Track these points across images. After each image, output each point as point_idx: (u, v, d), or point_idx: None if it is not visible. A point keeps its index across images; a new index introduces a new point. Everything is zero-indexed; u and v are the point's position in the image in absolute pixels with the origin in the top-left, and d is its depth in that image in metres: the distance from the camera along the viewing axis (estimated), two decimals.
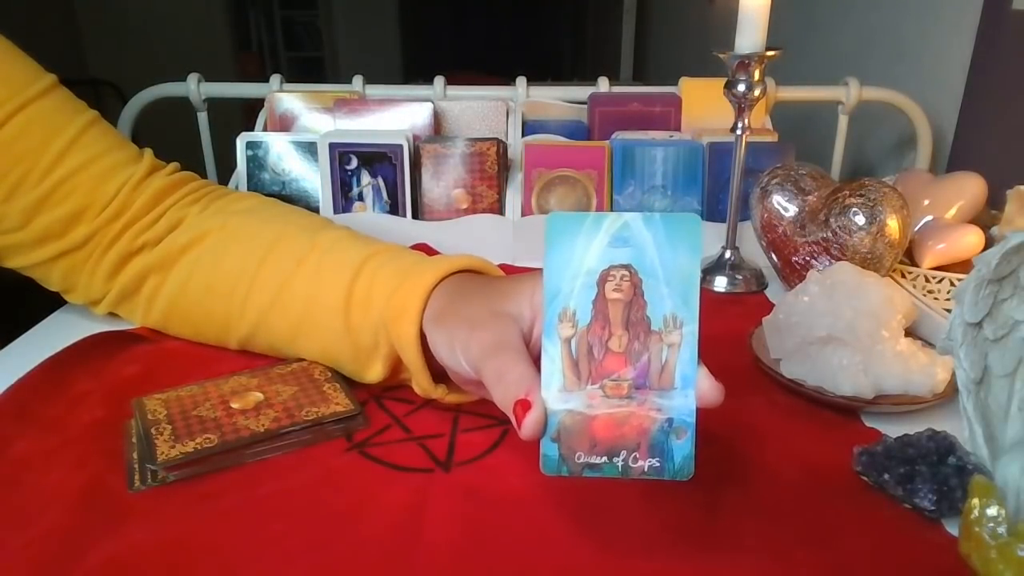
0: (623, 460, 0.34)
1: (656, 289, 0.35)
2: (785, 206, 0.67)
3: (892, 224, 0.61)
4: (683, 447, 0.34)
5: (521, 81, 0.99)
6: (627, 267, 0.35)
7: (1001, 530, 0.33)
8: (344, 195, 0.86)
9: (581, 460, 0.34)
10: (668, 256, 0.35)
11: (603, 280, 0.35)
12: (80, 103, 0.57)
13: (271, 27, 4.41)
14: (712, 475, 0.43)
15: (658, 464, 0.34)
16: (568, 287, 0.35)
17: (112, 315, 0.59)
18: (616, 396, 0.34)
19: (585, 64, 4.57)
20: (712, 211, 0.87)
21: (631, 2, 3.26)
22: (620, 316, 0.35)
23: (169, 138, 1.04)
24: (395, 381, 0.51)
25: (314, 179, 0.88)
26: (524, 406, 0.34)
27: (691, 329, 0.34)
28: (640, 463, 0.34)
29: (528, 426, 0.34)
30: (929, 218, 0.68)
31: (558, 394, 0.35)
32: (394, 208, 0.86)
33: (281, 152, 0.88)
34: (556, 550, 0.37)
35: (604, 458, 0.34)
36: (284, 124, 0.94)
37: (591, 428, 0.34)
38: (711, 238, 0.77)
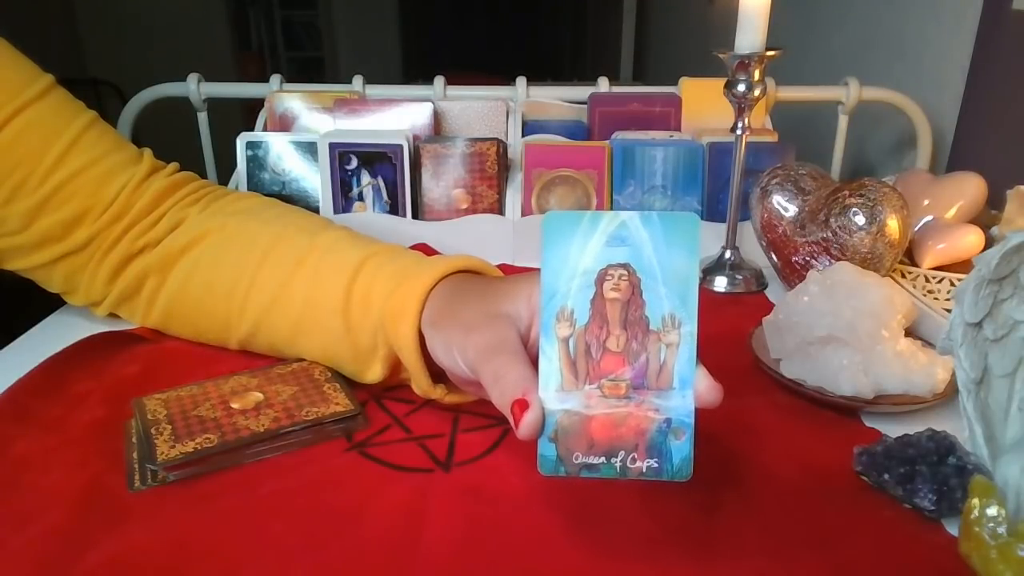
0: (621, 461, 0.34)
1: (654, 289, 0.35)
2: (785, 206, 0.67)
3: (892, 224, 0.61)
4: (681, 448, 0.34)
5: (521, 81, 0.99)
6: (625, 266, 0.35)
7: (1001, 530, 0.33)
8: (344, 195, 0.86)
9: (579, 460, 0.34)
10: (665, 256, 0.35)
11: (601, 280, 0.35)
12: (78, 103, 0.57)
13: (271, 27, 4.41)
14: (712, 475, 0.43)
15: (656, 465, 0.34)
16: (565, 287, 0.35)
17: (112, 315, 0.59)
18: (614, 396, 0.34)
19: (585, 64, 4.57)
20: (712, 211, 0.87)
21: (631, 2, 3.26)
22: (618, 316, 0.35)
23: (169, 138, 1.04)
24: (395, 381, 0.51)
25: (314, 179, 0.88)
26: (522, 406, 0.34)
27: (689, 329, 0.34)
28: (638, 464, 0.34)
29: (525, 426, 0.34)
30: (929, 218, 0.68)
31: (556, 394, 0.35)
32: (394, 208, 0.86)
33: (281, 152, 0.88)
34: (556, 550, 0.37)
35: (602, 458, 0.34)
36: (284, 124, 0.94)
37: (589, 428, 0.34)
38: (711, 238, 0.77)
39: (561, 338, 0.35)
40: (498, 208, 0.87)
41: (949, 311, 0.53)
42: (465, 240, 0.81)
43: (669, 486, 0.40)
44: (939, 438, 0.42)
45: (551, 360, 0.35)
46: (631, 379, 0.34)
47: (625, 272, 0.35)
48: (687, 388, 0.34)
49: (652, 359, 0.34)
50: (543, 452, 0.34)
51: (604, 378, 0.35)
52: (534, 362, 0.36)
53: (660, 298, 0.34)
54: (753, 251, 0.74)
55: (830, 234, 0.63)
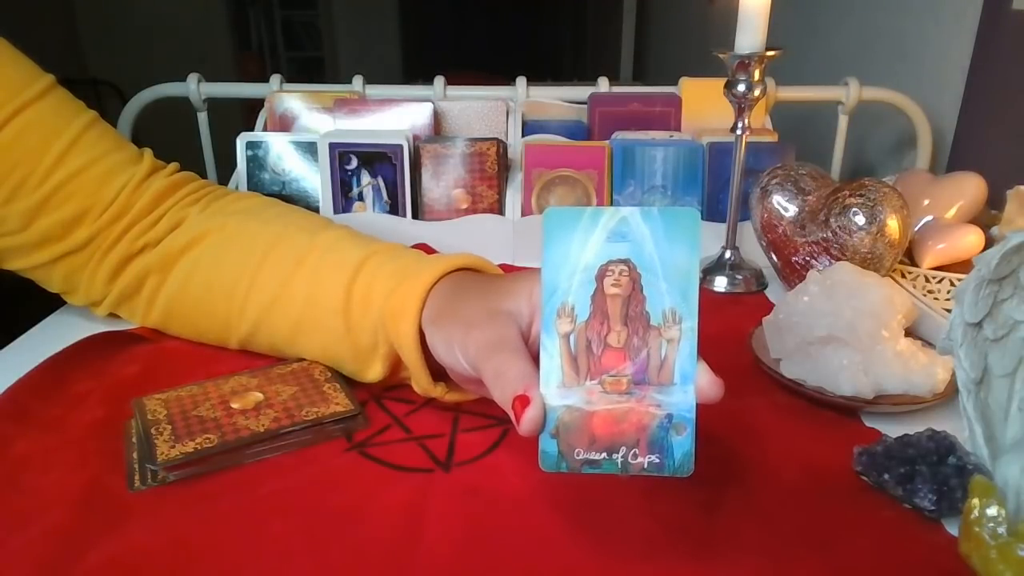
0: (622, 456, 0.34)
1: (655, 284, 0.34)
2: (785, 206, 0.67)
3: (892, 224, 0.61)
4: (683, 443, 0.34)
5: (521, 81, 0.99)
6: (626, 262, 0.35)
7: (1001, 530, 0.33)
8: (344, 195, 0.86)
9: (580, 456, 0.34)
10: (666, 251, 0.35)
11: (602, 275, 0.35)
12: (79, 103, 0.57)
13: (271, 27, 4.41)
14: (712, 475, 0.43)
15: (658, 460, 0.34)
16: (566, 282, 0.35)
17: (112, 315, 0.59)
18: (615, 392, 0.34)
19: (585, 64, 4.57)
20: (712, 211, 0.87)
21: (631, 2, 3.26)
22: (619, 311, 0.35)
23: (169, 138, 1.04)
24: (395, 380, 0.51)
25: (314, 179, 0.88)
26: (523, 402, 0.34)
27: (690, 324, 0.34)
28: (639, 460, 0.34)
29: (527, 422, 0.34)
30: (929, 218, 0.68)
31: (557, 390, 0.35)
32: (394, 208, 0.86)
33: (281, 152, 0.88)
34: (556, 550, 0.37)
35: (603, 454, 0.34)
36: (284, 124, 0.94)
37: (590, 424, 0.34)
38: (711, 238, 0.77)
39: (562, 334, 0.35)
40: (498, 208, 0.87)
41: (949, 311, 0.53)
42: (465, 240, 0.81)
43: (669, 485, 0.40)
44: (939, 438, 0.42)
45: (552, 356, 0.35)
46: (632, 375, 0.34)
47: (626, 268, 0.35)
48: (688, 383, 0.34)
49: (653, 355, 0.34)
50: (544, 448, 0.34)
51: (605, 374, 0.34)
52: (535, 360, 0.36)
53: (661, 293, 0.34)
54: (753, 251, 0.74)
55: (830, 234, 0.63)
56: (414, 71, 4.44)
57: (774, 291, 0.73)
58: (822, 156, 1.04)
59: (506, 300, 0.41)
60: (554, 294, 0.35)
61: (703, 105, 0.94)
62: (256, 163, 0.88)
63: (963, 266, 0.64)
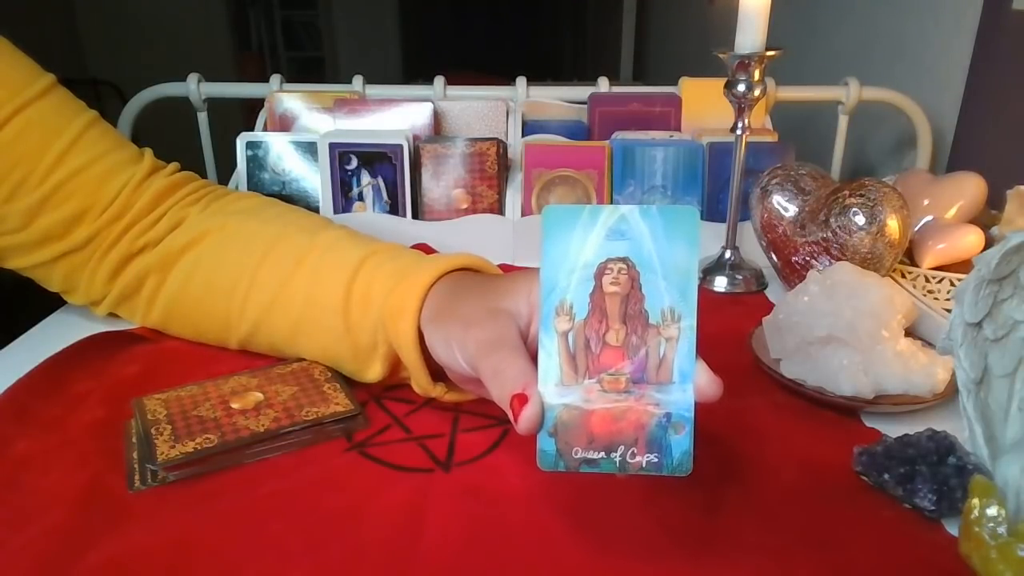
0: (621, 455, 0.34)
1: (654, 283, 0.34)
2: (785, 206, 0.67)
3: (892, 224, 0.61)
4: (681, 442, 0.34)
5: (521, 81, 0.99)
6: (624, 260, 0.35)
7: (1001, 530, 0.33)
8: (344, 195, 0.86)
9: (578, 455, 0.34)
10: (665, 249, 0.34)
11: (600, 273, 0.35)
12: (79, 103, 0.57)
13: (271, 27, 4.41)
14: (712, 475, 0.43)
15: (656, 459, 0.34)
16: (565, 280, 0.35)
17: (112, 315, 0.59)
18: (614, 391, 0.34)
19: (585, 64, 4.57)
20: (712, 211, 0.87)
21: (631, 2, 3.26)
22: (617, 310, 0.35)
23: (169, 138, 1.04)
24: (395, 380, 0.51)
25: (314, 179, 0.88)
26: (521, 400, 0.34)
27: (689, 323, 0.34)
28: (638, 458, 0.34)
29: (525, 420, 0.34)
30: (929, 218, 0.68)
31: (555, 388, 0.35)
32: (394, 208, 0.86)
33: (281, 152, 0.88)
34: (556, 550, 0.37)
35: (601, 453, 0.34)
36: (284, 124, 0.94)
37: (588, 423, 0.34)
38: (711, 238, 0.77)
39: (560, 332, 0.35)
40: (498, 208, 0.87)
41: (949, 311, 0.53)
42: (465, 240, 0.81)
43: (669, 485, 0.40)
44: (939, 438, 0.42)
45: (551, 354, 0.35)
46: (631, 373, 0.34)
47: (624, 266, 0.35)
48: (687, 382, 0.34)
49: (652, 353, 0.34)
50: (542, 447, 0.34)
51: (604, 372, 0.34)
52: (534, 359, 0.36)
53: (659, 292, 0.34)
54: (753, 251, 0.74)
55: (830, 234, 0.63)
56: (414, 71, 4.44)
57: (774, 291, 0.73)
58: (822, 156, 1.04)
59: (505, 299, 0.41)
60: (553, 292, 0.35)
61: (703, 105, 0.94)
62: (256, 163, 0.88)
63: (963, 266, 0.64)
